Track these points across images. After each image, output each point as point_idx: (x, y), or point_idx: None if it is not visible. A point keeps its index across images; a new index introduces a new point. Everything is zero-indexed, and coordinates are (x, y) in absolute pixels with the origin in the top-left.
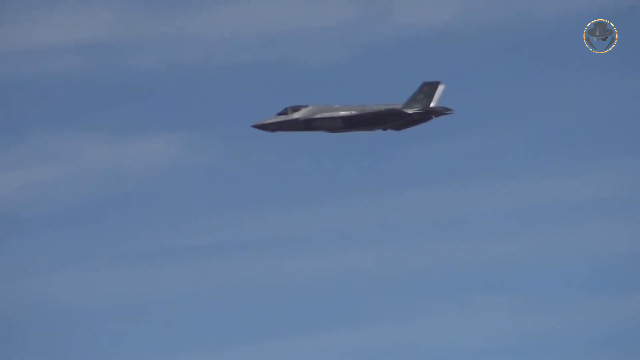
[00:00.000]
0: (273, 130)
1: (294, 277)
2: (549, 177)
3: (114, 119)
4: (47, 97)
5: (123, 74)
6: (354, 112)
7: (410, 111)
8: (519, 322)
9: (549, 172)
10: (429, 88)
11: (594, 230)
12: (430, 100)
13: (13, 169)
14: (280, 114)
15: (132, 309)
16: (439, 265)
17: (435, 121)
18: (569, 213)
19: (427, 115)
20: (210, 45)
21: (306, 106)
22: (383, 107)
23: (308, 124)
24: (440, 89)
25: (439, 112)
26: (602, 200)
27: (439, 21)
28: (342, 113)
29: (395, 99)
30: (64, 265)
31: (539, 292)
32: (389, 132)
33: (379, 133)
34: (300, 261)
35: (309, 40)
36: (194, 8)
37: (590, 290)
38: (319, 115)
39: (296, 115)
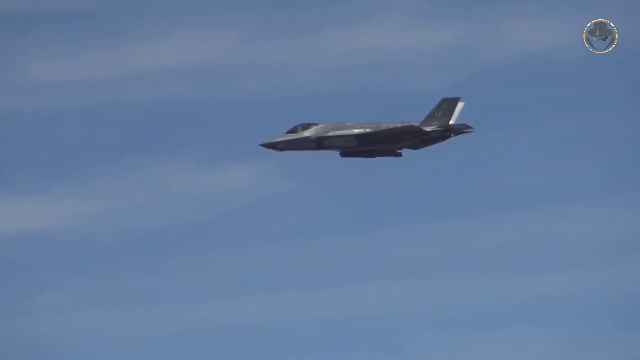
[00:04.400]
0: (282, 149)
1: (336, 309)
2: (596, 209)
3: (208, 145)
4: (149, 122)
5: (226, 100)
6: (368, 130)
7: (428, 129)
8: (563, 356)
9: (597, 204)
10: (447, 104)
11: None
12: (449, 118)
13: (99, 196)
14: (289, 132)
15: (210, 337)
16: (480, 297)
17: (454, 140)
18: (613, 247)
19: (445, 133)
20: (317, 72)
21: (317, 124)
22: (399, 125)
23: (319, 143)
24: (460, 105)
25: (458, 130)
26: None
27: (545, 47)
28: (356, 131)
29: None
30: (147, 292)
31: (582, 326)
32: (406, 150)
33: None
34: (342, 293)
35: (413, 67)
36: (303, 36)
37: (633, 326)
38: (331, 134)
39: (307, 133)
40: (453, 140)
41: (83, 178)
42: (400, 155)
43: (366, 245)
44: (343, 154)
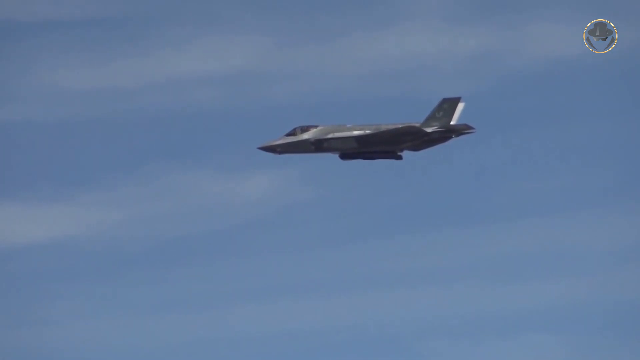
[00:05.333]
0: (280, 152)
1: (351, 317)
2: (609, 216)
3: (231, 153)
4: (173, 130)
5: (251, 107)
6: (368, 132)
7: (429, 129)
8: None
9: (609, 211)
10: (448, 105)
11: None
12: (450, 118)
13: (123, 203)
14: (288, 134)
15: (231, 345)
16: (493, 305)
17: (456, 141)
18: (626, 254)
19: (446, 134)
20: (343, 78)
21: (316, 126)
22: (400, 126)
23: (318, 145)
24: (460, 106)
25: (460, 130)
26: None
27: (570, 54)
28: (356, 133)
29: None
30: (169, 300)
31: (597, 333)
32: (407, 152)
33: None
34: (357, 301)
35: (439, 72)
36: (331, 42)
37: None
38: (330, 136)
39: (306, 135)
40: (455, 140)
41: (107, 186)
42: (400, 157)
43: (380, 252)
44: (343, 157)
